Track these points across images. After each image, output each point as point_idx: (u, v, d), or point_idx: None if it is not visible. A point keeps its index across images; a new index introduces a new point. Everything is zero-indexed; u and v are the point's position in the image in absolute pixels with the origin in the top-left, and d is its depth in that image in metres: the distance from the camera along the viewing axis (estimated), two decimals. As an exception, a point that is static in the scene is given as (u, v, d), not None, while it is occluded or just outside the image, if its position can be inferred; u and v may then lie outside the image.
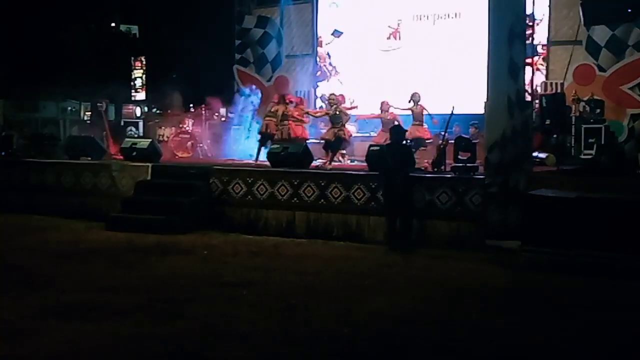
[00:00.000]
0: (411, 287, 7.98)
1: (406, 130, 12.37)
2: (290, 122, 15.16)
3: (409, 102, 15.35)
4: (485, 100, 10.67)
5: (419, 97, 15.28)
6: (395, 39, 19.61)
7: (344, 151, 15.65)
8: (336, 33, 20.40)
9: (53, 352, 5.57)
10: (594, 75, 16.65)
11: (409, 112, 15.34)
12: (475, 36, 16.81)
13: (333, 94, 15.29)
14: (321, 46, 20.71)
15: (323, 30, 20.78)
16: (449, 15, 18.84)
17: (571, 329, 6.40)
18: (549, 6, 17.41)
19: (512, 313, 6.93)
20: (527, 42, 11.50)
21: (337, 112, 14.28)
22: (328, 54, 20.68)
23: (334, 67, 20.60)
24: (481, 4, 12.43)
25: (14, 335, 5.92)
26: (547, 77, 17.32)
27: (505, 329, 6.34)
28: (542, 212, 9.26)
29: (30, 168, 14.49)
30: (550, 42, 17.51)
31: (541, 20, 12.39)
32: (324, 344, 5.84)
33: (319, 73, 20.72)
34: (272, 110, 15.55)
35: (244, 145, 18.57)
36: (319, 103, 20.47)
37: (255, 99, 18.61)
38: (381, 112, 15.82)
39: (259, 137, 15.72)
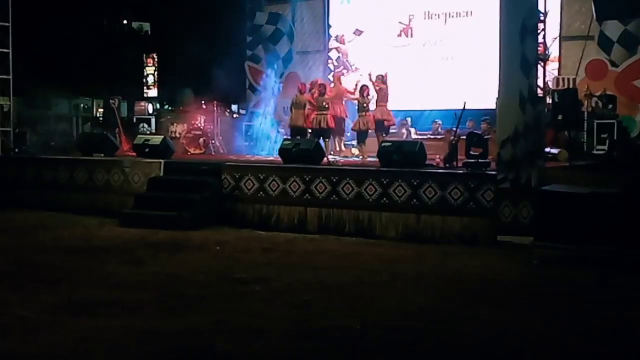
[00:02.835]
0: (422, 283, 7.99)
1: None
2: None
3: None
4: (497, 96, 10.67)
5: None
6: (407, 35, 19.63)
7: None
8: (357, 32, 20.48)
9: (67, 348, 5.58)
10: (606, 70, 16.62)
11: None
12: (487, 32, 16.82)
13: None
14: (344, 43, 20.77)
15: (339, 27, 20.83)
16: (459, 14, 18.84)
17: (583, 324, 6.37)
18: (561, 1, 17.36)
19: (524, 309, 6.92)
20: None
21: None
22: (348, 49, 20.74)
23: (353, 62, 20.66)
24: (493, 1, 12.42)
25: (28, 332, 5.95)
26: (559, 72, 17.28)
27: (516, 324, 6.32)
28: (554, 208, 9.24)
29: (43, 165, 14.54)
30: (563, 38, 17.46)
31: (547, 12, 12.37)
32: (336, 339, 5.85)
33: (341, 68, 20.77)
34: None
35: (256, 141, 18.69)
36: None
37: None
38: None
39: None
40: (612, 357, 5.59)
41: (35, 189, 14.21)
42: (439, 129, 17.17)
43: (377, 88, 15.54)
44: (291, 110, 16.61)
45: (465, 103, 13.11)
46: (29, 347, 5.60)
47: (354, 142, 16.99)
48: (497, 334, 6.03)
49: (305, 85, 17.01)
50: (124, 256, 9.43)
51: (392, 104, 18.10)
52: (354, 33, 20.60)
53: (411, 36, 19.57)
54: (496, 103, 10.70)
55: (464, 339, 5.88)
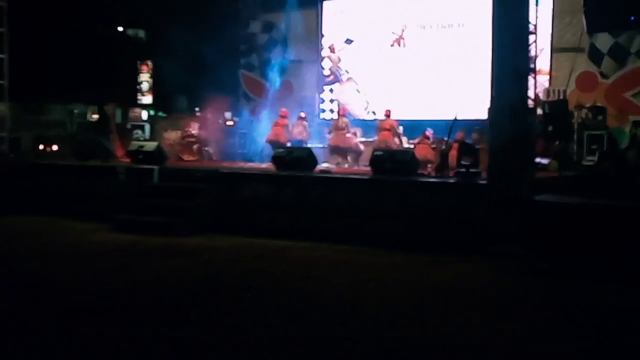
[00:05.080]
0: (413, 292, 8.02)
1: None
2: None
3: None
4: (488, 106, 10.76)
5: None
6: (399, 45, 19.74)
7: None
8: (348, 41, 20.59)
9: (61, 356, 5.62)
10: (596, 82, 16.74)
11: None
12: (479, 44, 16.98)
13: None
14: (334, 52, 20.85)
15: (332, 37, 20.93)
16: (452, 25, 18.96)
17: (573, 335, 6.42)
18: (552, 13, 17.47)
19: (513, 319, 6.96)
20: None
21: None
22: (339, 58, 20.83)
23: (345, 71, 20.74)
24: (485, 14, 12.54)
25: (22, 339, 5.98)
26: (550, 84, 17.38)
27: (506, 335, 6.37)
28: (544, 218, 9.30)
29: (38, 170, 14.57)
30: (553, 49, 17.57)
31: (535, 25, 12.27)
32: (326, 347, 5.88)
33: (332, 77, 20.86)
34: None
35: (249, 149, 18.77)
36: (327, 106, 20.71)
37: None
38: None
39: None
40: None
41: (29, 195, 14.21)
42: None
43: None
44: (273, 127, 17.21)
45: (457, 113, 13.21)
46: (23, 356, 5.62)
47: None
48: (486, 344, 6.06)
49: (287, 111, 17.60)
50: (115, 262, 9.46)
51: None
52: (345, 42, 20.70)
53: (404, 46, 19.68)
54: (488, 113, 10.79)
55: (452, 349, 5.92)
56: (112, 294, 7.61)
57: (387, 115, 16.46)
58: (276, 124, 17.25)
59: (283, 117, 17.37)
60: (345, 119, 16.99)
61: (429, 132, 15.87)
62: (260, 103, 20.42)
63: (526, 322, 6.80)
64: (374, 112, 19.46)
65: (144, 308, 7.08)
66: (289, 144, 16.36)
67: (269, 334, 6.22)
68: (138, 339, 6.00)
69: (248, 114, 20.40)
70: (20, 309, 6.95)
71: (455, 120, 13.08)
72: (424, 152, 15.53)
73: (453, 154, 12.71)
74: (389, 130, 16.02)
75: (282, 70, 21.08)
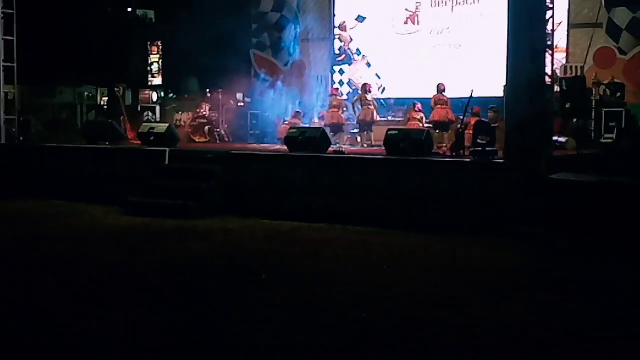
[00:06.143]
0: (430, 273, 7.92)
1: None
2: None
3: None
4: (504, 84, 10.59)
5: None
6: (414, 23, 19.53)
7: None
8: (360, 18, 20.38)
9: (74, 339, 5.54)
10: (614, 58, 16.49)
11: None
12: (495, 20, 16.77)
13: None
14: (345, 30, 20.65)
15: (344, 14, 20.72)
16: (467, 1, 18.73)
17: (592, 313, 6.33)
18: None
19: (532, 298, 6.87)
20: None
21: None
22: (350, 37, 20.64)
23: (356, 52, 20.55)
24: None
25: (35, 323, 5.91)
26: (567, 60, 17.15)
27: (524, 314, 6.27)
28: (562, 197, 9.18)
29: (48, 153, 14.50)
30: (571, 25, 17.33)
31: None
32: (342, 328, 5.81)
33: (343, 57, 20.68)
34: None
35: (262, 130, 18.68)
36: (344, 89, 20.58)
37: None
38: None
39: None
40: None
41: (40, 178, 14.12)
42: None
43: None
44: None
45: (472, 91, 13.01)
46: (36, 339, 5.54)
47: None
48: (504, 323, 5.98)
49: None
50: (130, 245, 9.42)
51: (399, 92, 18.15)
52: (357, 19, 20.49)
53: (418, 24, 19.47)
54: (504, 91, 10.63)
55: (471, 328, 5.84)
56: (127, 277, 7.59)
57: (443, 90, 16.29)
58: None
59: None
60: (339, 98, 17.29)
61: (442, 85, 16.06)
62: (274, 82, 20.23)
63: (547, 302, 6.70)
64: (384, 99, 19.23)
65: (160, 290, 7.04)
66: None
67: (284, 315, 6.16)
68: (154, 322, 5.95)
69: (260, 95, 20.24)
70: (35, 292, 6.89)
71: (471, 97, 12.87)
72: (444, 113, 15.43)
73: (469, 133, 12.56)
74: (446, 103, 16.05)
75: (295, 49, 20.92)
